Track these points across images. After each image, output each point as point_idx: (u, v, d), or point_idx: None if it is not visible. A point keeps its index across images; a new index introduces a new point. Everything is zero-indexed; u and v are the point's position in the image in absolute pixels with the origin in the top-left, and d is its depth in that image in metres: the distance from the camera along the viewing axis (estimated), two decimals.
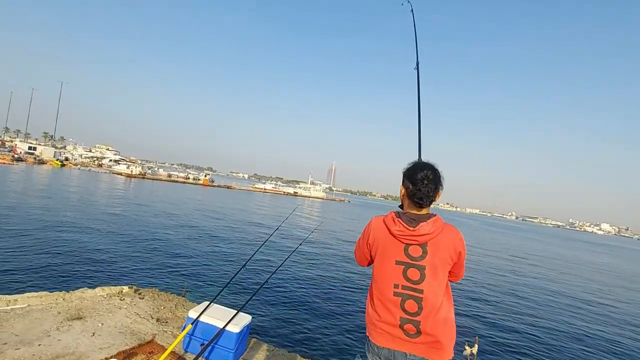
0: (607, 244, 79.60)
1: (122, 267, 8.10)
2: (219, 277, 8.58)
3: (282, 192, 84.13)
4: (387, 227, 1.53)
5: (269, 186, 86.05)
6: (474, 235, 38.55)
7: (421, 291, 1.44)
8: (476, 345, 3.51)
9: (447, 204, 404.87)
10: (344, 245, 16.46)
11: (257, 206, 35.44)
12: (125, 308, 3.72)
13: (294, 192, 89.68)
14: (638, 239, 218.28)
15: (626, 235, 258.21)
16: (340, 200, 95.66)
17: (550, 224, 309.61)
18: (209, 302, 3.22)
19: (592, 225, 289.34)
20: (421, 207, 1.55)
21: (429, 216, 1.52)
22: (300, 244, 4.93)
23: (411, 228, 1.47)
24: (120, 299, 3.92)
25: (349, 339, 6.12)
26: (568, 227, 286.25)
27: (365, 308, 1.65)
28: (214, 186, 65.79)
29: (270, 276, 3.74)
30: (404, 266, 1.48)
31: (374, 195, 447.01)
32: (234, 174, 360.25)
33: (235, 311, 3.13)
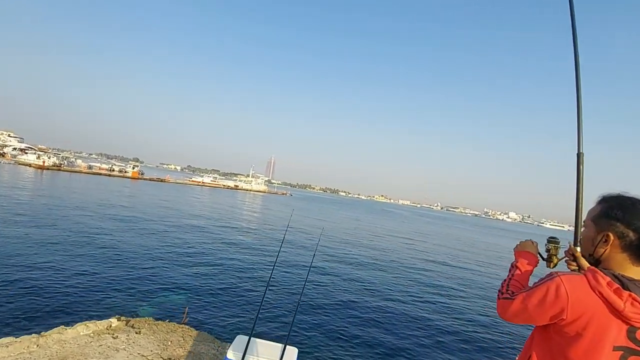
0: (513, 229, 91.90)
1: (81, 290, 6.81)
2: (203, 289, 7.87)
3: (222, 186, 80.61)
4: (605, 300, 1.05)
5: (207, 179, 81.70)
6: (414, 226, 41.53)
7: None
8: None
9: (382, 195, 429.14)
10: (349, 248, 16.47)
11: (204, 201, 33.39)
12: (124, 349, 3.10)
13: (235, 185, 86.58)
14: (537, 225, 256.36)
15: (528, 221, 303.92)
16: (283, 194, 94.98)
17: (470, 213, 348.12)
18: (247, 338, 2.80)
19: (502, 214, 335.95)
20: None
21: None
22: (314, 257, 4.58)
23: None
24: (113, 337, 3.26)
25: None
26: (483, 215, 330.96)
27: None
28: (144, 179, 60.29)
29: (300, 298, 3.44)
30: (623, 352, 1.06)
31: (313, 188, 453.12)
32: (165, 166, 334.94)
33: (282, 345, 2.79)
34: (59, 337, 3.14)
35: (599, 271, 1.09)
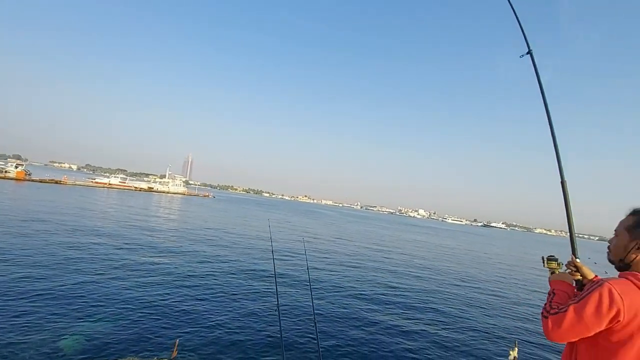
0: (423, 225, 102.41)
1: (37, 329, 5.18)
2: (180, 309, 6.78)
3: (134, 188, 72.24)
4: None
5: (114, 180, 72.17)
6: (345, 226, 42.89)
7: None
8: (516, 349, 3.69)
9: (305, 196, 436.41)
10: (333, 255, 15.34)
11: (125, 207, 29.02)
12: None
13: (149, 187, 78.41)
14: (441, 220, 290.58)
15: (434, 218, 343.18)
16: (206, 196, 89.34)
17: (386, 211, 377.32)
18: None
19: (413, 211, 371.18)
20: None
21: None
22: (308, 269, 4.06)
23: None
24: None
25: None
26: (397, 213, 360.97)
27: None
28: (34, 181, 50.59)
29: (314, 320, 2.97)
30: None
31: (236, 189, 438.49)
32: (57, 165, 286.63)
33: None
34: None
35: (637, 274, 1.27)
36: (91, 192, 47.01)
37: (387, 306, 9.55)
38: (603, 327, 1.22)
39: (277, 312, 3.35)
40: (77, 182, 59.61)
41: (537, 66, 2.38)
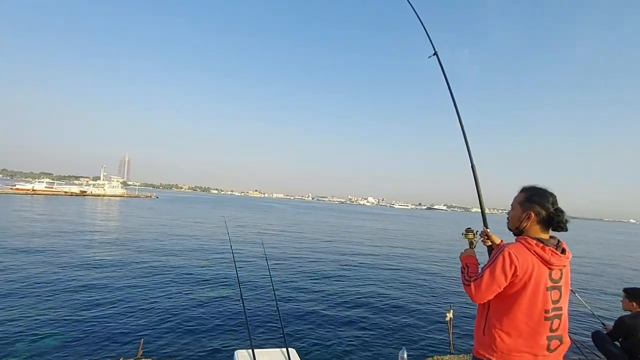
0: (371, 212, 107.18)
1: None
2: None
3: (64, 193, 65.78)
4: (539, 256, 1.58)
5: (39, 186, 64.85)
6: (296, 217, 43.69)
7: (561, 308, 1.61)
8: (451, 311, 4.75)
9: (256, 190, 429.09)
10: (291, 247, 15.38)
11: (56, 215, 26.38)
12: None
13: (81, 191, 71.86)
14: (389, 206, 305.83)
15: (383, 204, 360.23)
16: (148, 197, 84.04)
17: (337, 201, 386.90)
18: (247, 351, 2.78)
19: (363, 199, 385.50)
20: (552, 230, 1.69)
21: (558, 240, 1.68)
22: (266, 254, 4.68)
23: (563, 256, 1.61)
24: None
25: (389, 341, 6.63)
26: (348, 202, 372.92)
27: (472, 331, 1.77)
28: None
29: (275, 298, 3.55)
30: (549, 291, 1.58)
31: (181, 188, 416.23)
32: None
33: (282, 349, 2.84)
34: None
35: (527, 238, 1.65)
36: (11, 200, 41.85)
37: (336, 281, 10.64)
38: (507, 282, 1.58)
39: (241, 301, 3.61)
40: None
41: (443, 64, 2.73)
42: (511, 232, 1.81)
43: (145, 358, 3.66)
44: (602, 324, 3.82)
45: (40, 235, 16.48)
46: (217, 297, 8.52)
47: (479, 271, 1.70)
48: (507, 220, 1.83)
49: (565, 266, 1.62)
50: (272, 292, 4.11)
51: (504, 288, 1.59)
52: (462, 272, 1.84)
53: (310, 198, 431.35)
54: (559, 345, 1.60)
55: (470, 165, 2.30)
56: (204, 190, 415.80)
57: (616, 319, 3.53)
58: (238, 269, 4.33)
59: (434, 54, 2.76)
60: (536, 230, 1.67)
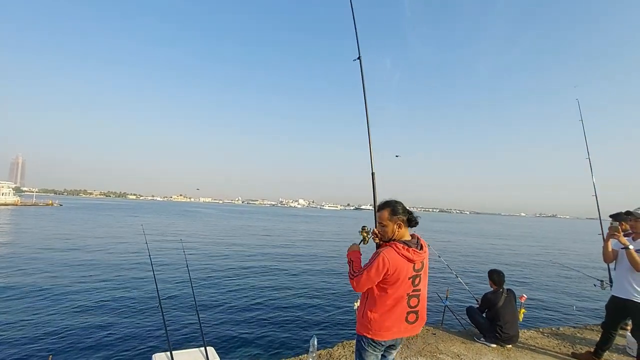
0: (303, 214, 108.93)
1: None
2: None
3: None
4: (405, 257, 1.96)
5: None
6: (224, 223, 42.45)
7: (419, 290, 2.03)
8: (359, 300, 5.22)
9: (181, 195, 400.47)
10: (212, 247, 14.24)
11: None
12: None
13: None
14: (319, 208, 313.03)
15: (313, 206, 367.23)
16: (48, 204, 72.81)
17: (267, 203, 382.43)
18: (164, 353, 2.79)
19: (294, 202, 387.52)
20: (410, 227, 2.12)
21: (417, 238, 2.10)
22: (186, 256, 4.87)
23: (421, 252, 2.02)
24: None
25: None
26: (279, 204, 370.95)
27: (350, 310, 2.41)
28: None
29: (194, 296, 3.78)
30: (411, 279, 1.99)
31: (91, 194, 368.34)
32: None
33: (199, 349, 2.91)
34: None
35: (396, 243, 2.01)
36: None
37: (257, 281, 11.10)
38: (381, 279, 1.96)
39: (159, 306, 3.55)
40: None
41: (363, 70, 2.88)
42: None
43: None
44: (476, 300, 4.83)
45: None
46: (134, 306, 8.43)
47: (362, 267, 2.08)
48: (374, 236, 2.21)
49: (424, 259, 2.04)
50: (192, 296, 4.14)
51: (377, 282, 2.00)
52: (349, 266, 2.19)
53: (240, 202, 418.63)
54: (416, 319, 2.04)
55: (370, 172, 2.64)
56: (119, 196, 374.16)
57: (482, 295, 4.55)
58: (157, 275, 4.18)
59: (358, 58, 2.89)
60: (403, 234, 2.07)
